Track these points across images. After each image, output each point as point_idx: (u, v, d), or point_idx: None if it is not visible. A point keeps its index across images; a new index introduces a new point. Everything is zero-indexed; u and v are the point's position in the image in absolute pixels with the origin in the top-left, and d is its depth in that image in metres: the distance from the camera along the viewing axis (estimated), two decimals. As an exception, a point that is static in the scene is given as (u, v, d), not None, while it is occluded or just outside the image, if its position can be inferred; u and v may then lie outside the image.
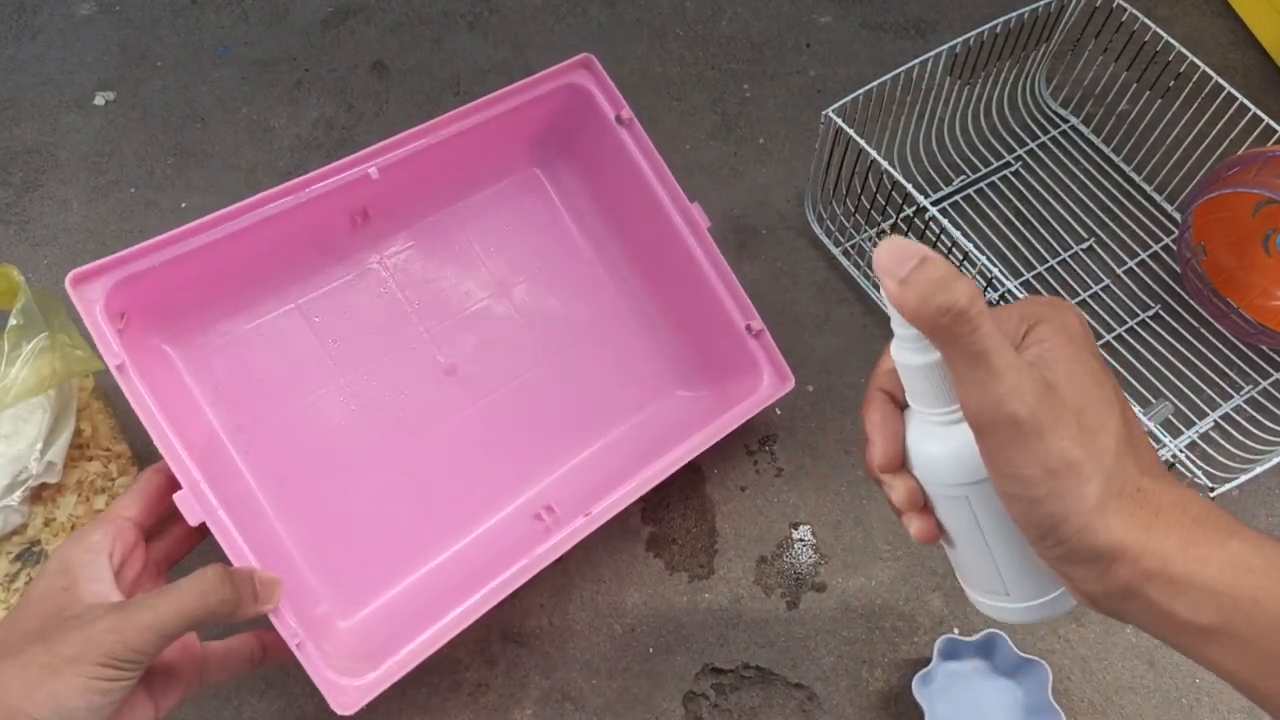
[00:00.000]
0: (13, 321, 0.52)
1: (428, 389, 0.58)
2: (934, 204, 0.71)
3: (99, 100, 0.76)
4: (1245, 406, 0.63)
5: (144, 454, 0.62)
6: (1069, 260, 0.69)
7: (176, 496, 0.45)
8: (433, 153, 0.55)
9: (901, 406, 0.35)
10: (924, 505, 0.35)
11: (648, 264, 0.62)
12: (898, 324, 0.31)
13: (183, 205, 0.72)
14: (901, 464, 0.35)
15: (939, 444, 0.33)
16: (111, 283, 0.48)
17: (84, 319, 0.46)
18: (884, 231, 0.69)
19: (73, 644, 0.36)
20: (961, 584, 0.38)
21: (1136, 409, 0.52)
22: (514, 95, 0.57)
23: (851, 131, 0.60)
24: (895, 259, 0.28)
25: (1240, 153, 0.63)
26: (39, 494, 0.55)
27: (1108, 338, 0.66)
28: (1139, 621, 0.30)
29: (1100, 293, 0.68)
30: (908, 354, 0.32)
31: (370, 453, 0.56)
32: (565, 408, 0.60)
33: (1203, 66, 0.65)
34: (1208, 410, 0.63)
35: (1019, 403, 0.28)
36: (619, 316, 0.63)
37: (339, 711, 0.45)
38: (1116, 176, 0.73)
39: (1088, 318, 0.66)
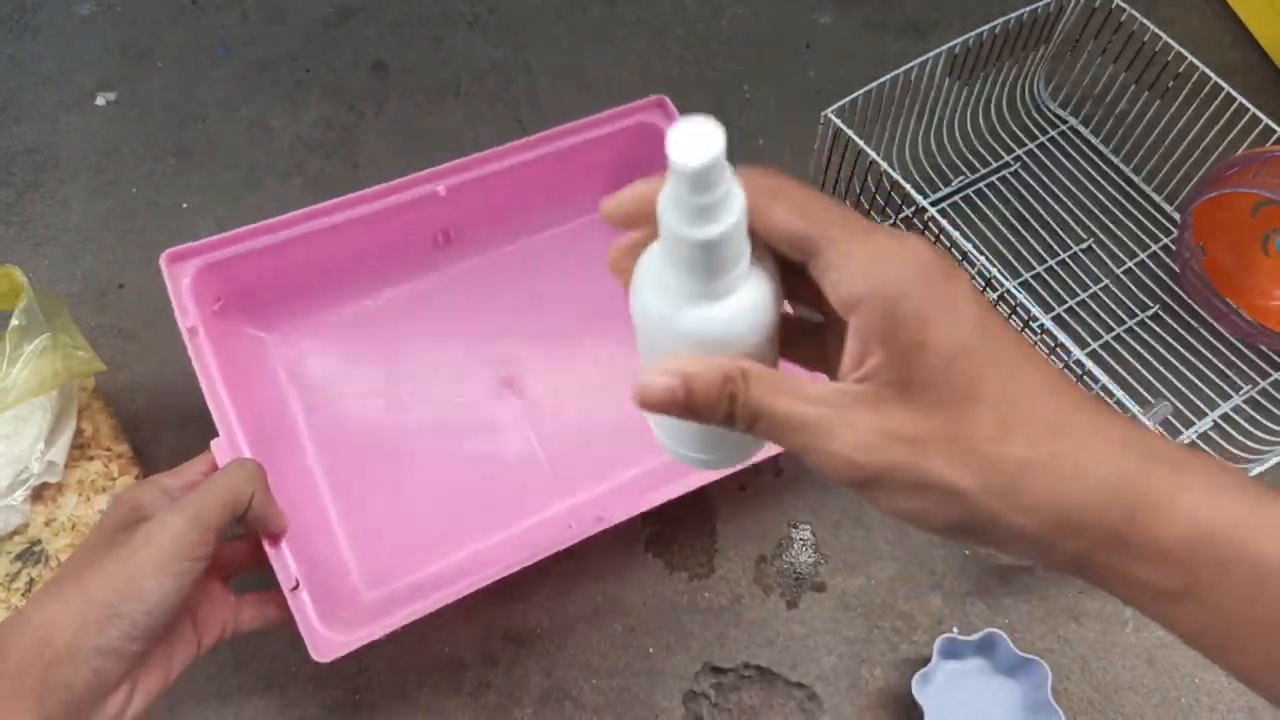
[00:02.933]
0: (15, 322, 0.52)
1: (484, 397, 0.61)
2: (933, 204, 0.71)
3: (99, 100, 0.76)
4: (1244, 406, 0.64)
5: (145, 453, 0.62)
6: (1068, 260, 0.70)
7: (214, 443, 0.49)
8: (504, 177, 0.60)
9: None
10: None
11: None
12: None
13: (183, 205, 0.72)
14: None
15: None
16: (200, 264, 0.55)
17: (170, 291, 0.54)
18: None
19: (142, 535, 0.40)
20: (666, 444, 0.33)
21: (1135, 409, 0.53)
22: (585, 129, 0.61)
23: (851, 132, 0.60)
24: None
25: (1239, 153, 0.63)
26: (40, 493, 0.55)
27: (1107, 338, 0.66)
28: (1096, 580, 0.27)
29: (1099, 293, 0.68)
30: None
31: (423, 448, 0.59)
32: (617, 430, 0.60)
33: (1201, 67, 0.65)
34: (1207, 410, 0.63)
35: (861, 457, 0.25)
36: None
37: (314, 657, 0.47)
38: (1115, 177, 0.73)
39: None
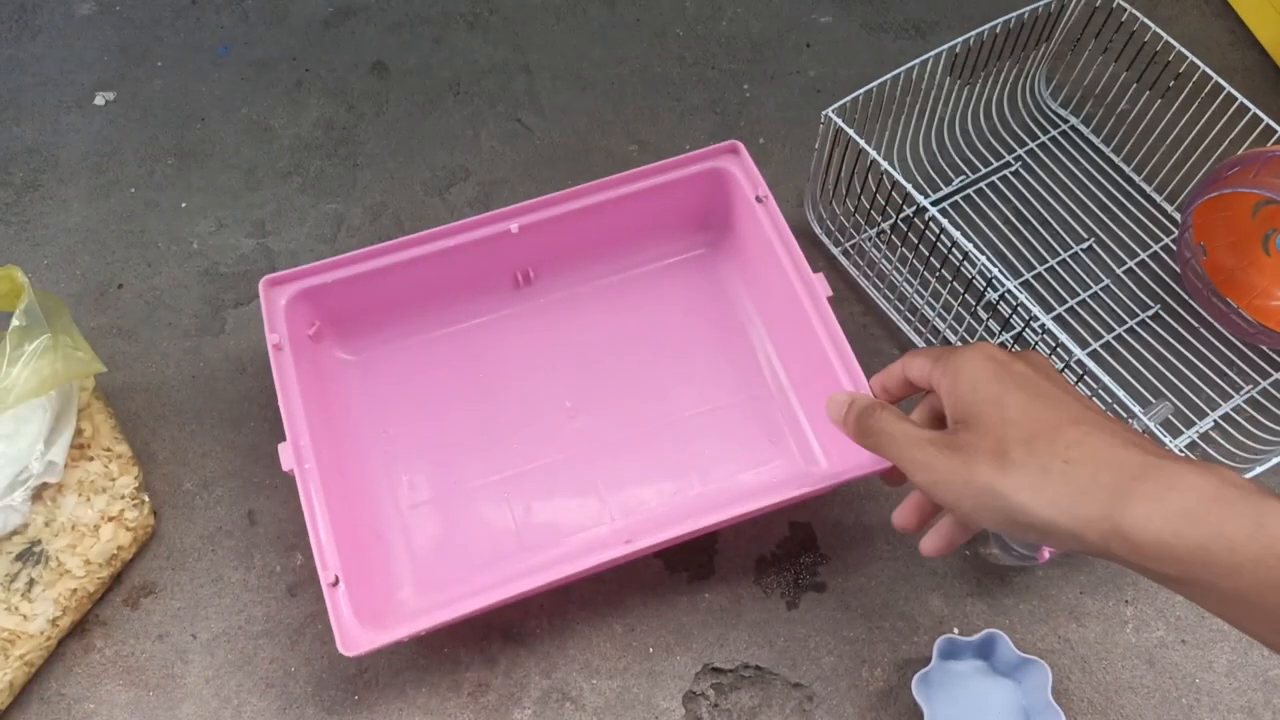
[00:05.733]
0: (15, 322, 0.52)
1: (550, 426, 0.62)
2: (934, 204, 0.71)
3: (99, 100, 0.76)
4: (1245, 406, 0.64)
5: (143, 454, 0.62)
6: (1069, 260, 0.69)
7: (280, 446, 0.52)
8: (577, 218, 0.61)
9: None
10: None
11: (779, 338, 0.64)
12: None
13: (183, 205, 0.72)
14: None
15: None
16: (296, 289, 0.57)
17: (264, 312, 0.56)
18: (884, 231, 0.69)
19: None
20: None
21: (1136, 409, 0.53)
22: (657, 173, 0.61)
23: (851, 132, 0.60)
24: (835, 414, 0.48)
25: (1240, 153, 0.63)
26: (40, 494, 0.55)
27: (1107, 338, 0.66)
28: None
29: (1100, 293, 0.68)
30: None
31: (487, 472, 0.61)
32: (677, 464, 0.61)
33: (1202, 67, 0.65)
34: (1208, 410, 0.63)
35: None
36: (751, 391, 0.63)
37: (342, 650, 0.48)
38: (1116, 176, 0.73)
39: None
